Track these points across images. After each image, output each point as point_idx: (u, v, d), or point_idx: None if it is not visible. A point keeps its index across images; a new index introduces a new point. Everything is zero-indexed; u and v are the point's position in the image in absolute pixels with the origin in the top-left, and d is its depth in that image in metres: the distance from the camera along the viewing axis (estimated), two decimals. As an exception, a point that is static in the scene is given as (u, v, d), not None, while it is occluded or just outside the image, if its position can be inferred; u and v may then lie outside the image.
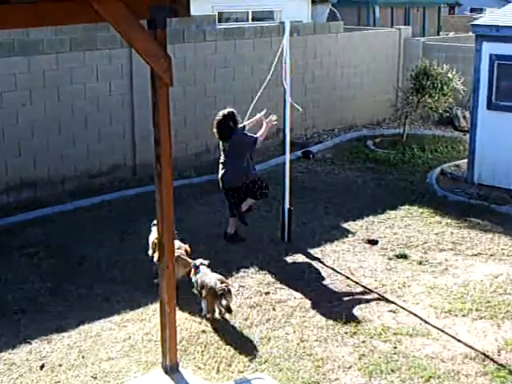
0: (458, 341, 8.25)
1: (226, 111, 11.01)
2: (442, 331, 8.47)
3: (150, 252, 9.82)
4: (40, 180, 13.23)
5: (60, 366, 7.78)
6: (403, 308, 9.05)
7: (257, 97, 11.39)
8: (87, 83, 13.64)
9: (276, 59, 11.16)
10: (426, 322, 8.68)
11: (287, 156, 11.37)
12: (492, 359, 7.87)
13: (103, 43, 13.77)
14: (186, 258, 9.45)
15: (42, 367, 7.75)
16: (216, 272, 9.07)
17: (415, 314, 8.87)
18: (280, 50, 11.00)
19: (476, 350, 8.05)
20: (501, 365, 7.76)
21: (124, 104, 14.25)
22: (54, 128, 13.32)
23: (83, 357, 7.94)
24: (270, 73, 11.27)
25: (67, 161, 13.57)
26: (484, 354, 7.96)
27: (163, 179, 6.85)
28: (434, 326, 8.59)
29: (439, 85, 16.75)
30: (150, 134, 6.88)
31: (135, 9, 6.10)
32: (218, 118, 11.03)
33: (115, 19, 6.04)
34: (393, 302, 9.21)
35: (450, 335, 8.38)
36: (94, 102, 13.79)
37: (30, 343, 8.20)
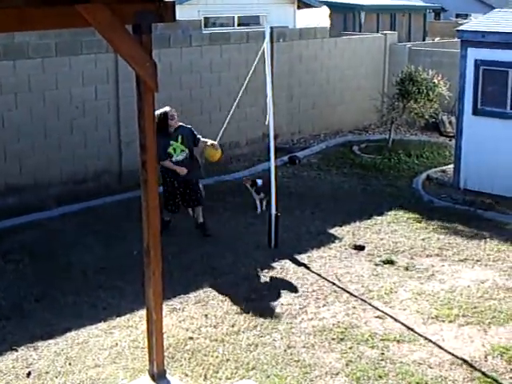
0: (445, 347, 8.25)
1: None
2: (429, 337, 8.46)
3: None
4: (25, 185, 13.16)
5: (47, 373, 7.72)
6: (390, 314, 9.04)
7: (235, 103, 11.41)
8: (73, 88, 13.59)
9: (254, 64, 11.20)
10: (413, 328, 8.67)
11: (272, 162, 11.34)
12: (479, 365, 7.87)
13: (89, 48, 13.72)
14: None
15: (28, 375, 7.68)
16: None
17: (402, 320, 8.86)
18: (259, 55, 11.05)
19: (463, 355, 8.05)
20: (488, 370, 7.76)
21: (110, 109, 14.21)
22: (40, 133, 13.26)
23: (70, 364, 7.89)
24: (247, 79, 11.34)
25: (53, 166, 13.50)
26: (471, 360, 7.96)
27: (149, 185, 6.81)
28: (421, 332, 8.58)
29: (425, 90, 16.79)
30: (136, 139, 6.85)
31: (121, 14, 6.07)
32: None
33: (100, 24, 6.00)
34: (380, 308, 9.20)
35: (437, 341, 8.37)
36: (79, 106, 13.73)
37: (17, 350, 8.13)
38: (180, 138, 11.45)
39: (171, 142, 11.39)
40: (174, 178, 11.50)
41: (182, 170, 11.39)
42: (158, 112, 11.02)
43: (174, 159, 11.43)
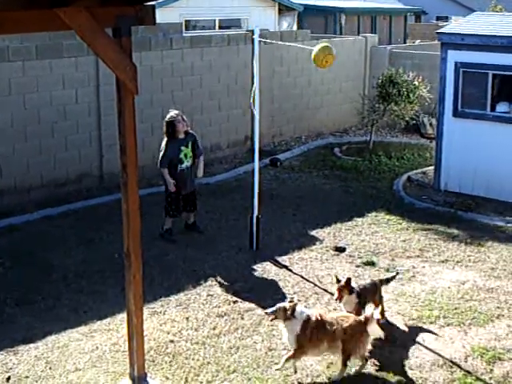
0: (426, 348, 8.28)
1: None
2: (410, 338, 8.50)
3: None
4: (6, 189, 13.10)
5: (27, 377, 7.70)
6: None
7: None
8: (53, 91, 13.54)
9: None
10: (394, 330, 8.69)
11: (256, 164, 11.34)
12: (459, 366, 7.91)
13: (70, 51, 13.67)
14: None
15: (8, 379, 7.66)
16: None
17: (383, 322, 8.88)
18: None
19: (443, 357, 8.09)
20: (468, 371, 7.80)
21: (91, 112, 14.17)
22: (21, 136, 13.20)
23: (50, 368, 7.87)
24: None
25: (34, 169, 13.45)
26: (451, 361, 8.00)
27: (129, 188, 6.80)
28: (401, 333, 8.61)
29: (405, 92, 16.85)
30: (117, 143, 6.84)
31: (100, 17, 6.06)
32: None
33: (80, 28, 6.00)
34: (361, 310, 9.22)
35: (418, 342, 8.41)
36: (60, 109, 13.69)
37: (-4, 355, 8.12)
38: (190, 143, 11.46)
39: (182, 148, 11.38)
40: (182, 185, 11.50)
41: (172, 187, 11.36)
42: (166, 118, 11.11)
43: (183, 165, 11.41)
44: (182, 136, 11.39)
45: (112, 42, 6.32)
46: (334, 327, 7.49)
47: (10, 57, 12.93)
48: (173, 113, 11.42)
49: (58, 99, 13.62)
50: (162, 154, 11.33)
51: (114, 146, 12.26)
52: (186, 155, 11.41)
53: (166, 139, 11.39)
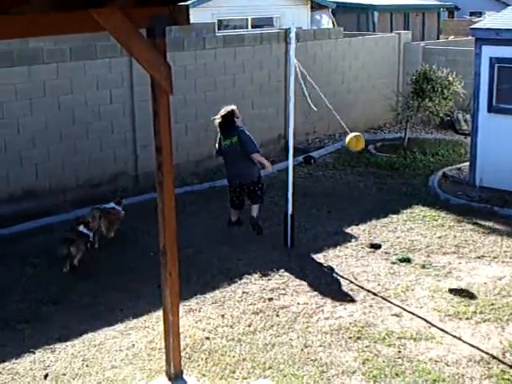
0: (463, 344, 8.24)
1: (229, 108, 11.58)
2: (447, 334, 8.46)
3: None
4: (41, 190, 13.24)
5: (64, 375, 7.77)
6: (407, 312, 9.04)
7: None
8: (88, 92, 13.65)
9: (294, 62, 11.14)
10: (430, 326, 8.66)
11: (290, 162, 11.32)
12: (497, 362, 7.85)
13: (103, 52, 13.77)
14: None
15: (45, 377, 7.74)
16: None
17: (419, 318, 8.86)
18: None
19: (480, 352, 8.04)
20: (505, 367, 7.74)
21: (125, 112, 14.27)
22: (55, 137, 13.33)
23: (87, 365, 7.94)
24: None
25: (69, 170, 13.58)
26: (488, 357, 7.94)
27: (165, 187, 6.85)
28: (438, 330, 8.58)
29: (439, 88, 16.77)
30: (152, 143, 6.88)
31: (135, 18, 6.09)
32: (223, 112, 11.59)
33: (115, 29, 6.03)
34: (397, 306, 9.20)
35: (455, 339, 8.37)
36: (95, 110, 13.80)
37: (34, 353, 8.19)
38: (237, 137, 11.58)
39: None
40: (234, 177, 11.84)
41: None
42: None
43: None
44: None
45: (146, 43, 6.35)
46: None
47: (45, 59, 13.05)
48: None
49: (92, 100, 13.73)
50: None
51: (148, 146, 12.31)
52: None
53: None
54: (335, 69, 18.55)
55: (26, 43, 12.73)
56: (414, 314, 8.96)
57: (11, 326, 8.83)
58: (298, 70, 11.05)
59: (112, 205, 11.76)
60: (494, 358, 7.94)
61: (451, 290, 9.60)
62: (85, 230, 10.73)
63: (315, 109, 11.40)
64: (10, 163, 12.84)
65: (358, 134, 11.54)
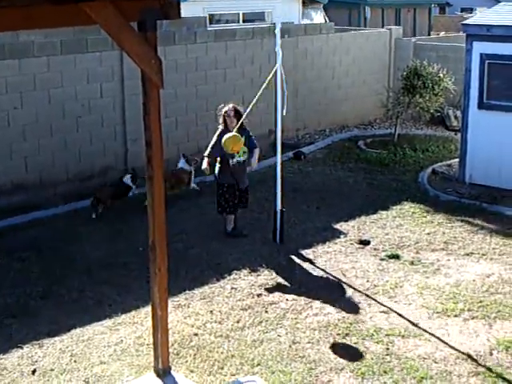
0: (450, 341, 8.25)
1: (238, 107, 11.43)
2: (434, 332, 8.47)
3: None
4: (31, 183, 13.19)
5: (52, 370, 7.75)
6: (395, 309, 9.04)
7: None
8: (78, 86, 13.60)
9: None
10: (418, 323, 8.68)
11: (279, 157, 11.34)
12: (484, 359, 7.87)
13: (94, 46, 13.73)
14: None
15: (33, 372, 7.72)
16: None
17: (407, 315, 8.86)
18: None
19: (468, 350, 8.06)
20: (493, 365, 7.76)
21: (115, 106, 14.23)
22: (46, 131, 13.28)
23: (75, 361, 7.92)
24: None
25: (59, 164, 13.53)
26: (476, 355, 7.96)
27: (155, 181, 6.83)
28: (426, 327, 8.59)
29: (430, 84, 16.77)
30: (142, 136, 6.86)
31: (126, 11, 6.08)
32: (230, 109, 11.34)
33: (106, 22, 6.01)
34: (385, 303, 9.21)
35: (443, 336, 8.38)
36: (85, 104, 13.75)
37: (22, 348, 8.17)
38: (244, 138, 11.01)
39: None
40: (237, 182, 11.37)
41: (207, 169, 11.33)
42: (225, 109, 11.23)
43: (235, 159, 11.23)
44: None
45: (137, 36, 6.34)
46: None
47: (35, 52, 13.00)
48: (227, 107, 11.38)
49: (82, 94, 13.68)
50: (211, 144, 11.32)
51: (138, 140, 12.30)
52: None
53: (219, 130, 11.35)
54: (326, 64, 18.53)
55: (17, 36, 12.70)
56: (402, 311, 8.97)
57: (-2, 321, 8.81)
58: (281, 70, 10.95)
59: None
60: (482, 355, 7.96)
61: (440, 287, 9.62)
62: (186, 166, 13.34)
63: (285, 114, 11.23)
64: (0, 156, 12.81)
65: (235, 134, 10.76)
